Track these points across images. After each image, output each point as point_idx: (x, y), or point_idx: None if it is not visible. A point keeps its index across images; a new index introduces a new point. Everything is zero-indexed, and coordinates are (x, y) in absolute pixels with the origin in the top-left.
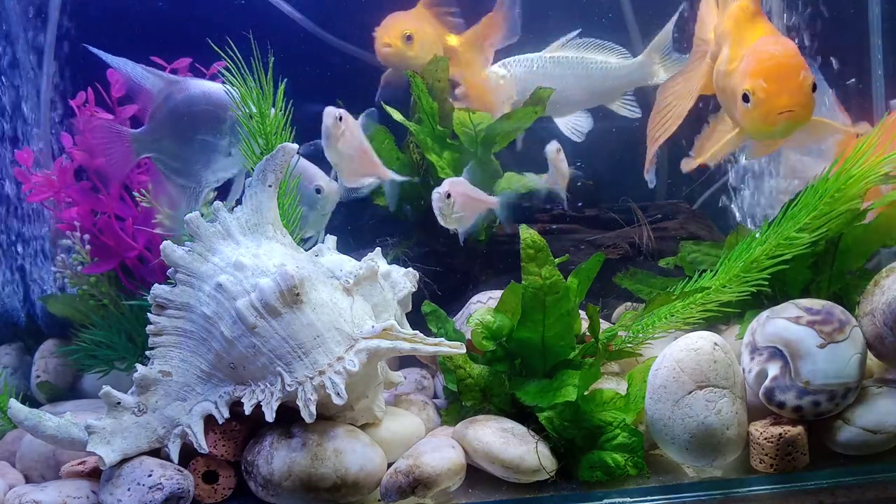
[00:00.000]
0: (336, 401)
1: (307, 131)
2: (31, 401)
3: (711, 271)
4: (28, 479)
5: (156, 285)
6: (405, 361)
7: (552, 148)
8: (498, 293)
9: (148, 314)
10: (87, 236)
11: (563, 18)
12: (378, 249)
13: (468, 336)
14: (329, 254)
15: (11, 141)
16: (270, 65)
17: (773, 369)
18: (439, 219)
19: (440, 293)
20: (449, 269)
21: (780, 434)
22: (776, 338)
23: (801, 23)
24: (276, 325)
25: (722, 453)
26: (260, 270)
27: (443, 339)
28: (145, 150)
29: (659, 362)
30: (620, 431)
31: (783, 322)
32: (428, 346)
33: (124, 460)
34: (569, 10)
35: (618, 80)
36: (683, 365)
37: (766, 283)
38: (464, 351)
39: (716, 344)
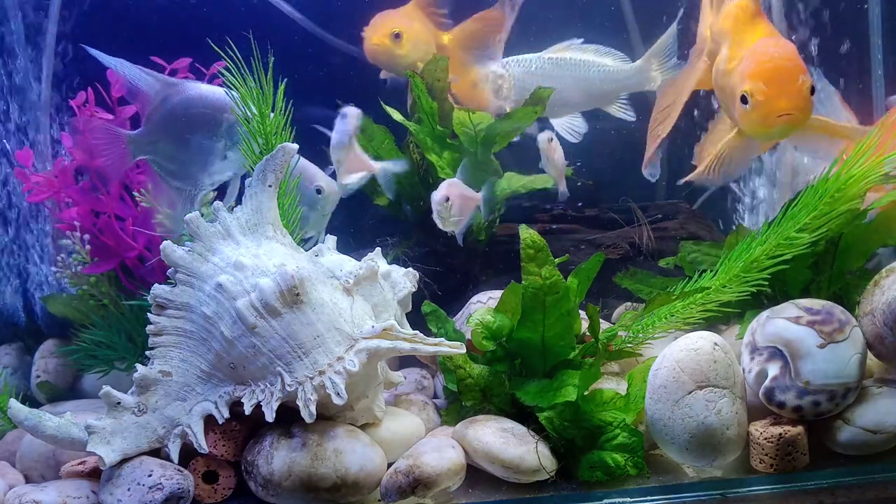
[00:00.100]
0: (336, 401)
1: (307, 131)
2: (31, 401)
3: (711, 271)
4: (28, 479)
5: (156, 285)
6: (405, 361)
7: (544, 137)
8: (498, 293)
9: (148, 314)
10: (87, 236)
11: (563, 20)
12: (378, 249)
13: (468, 336)
14: (329, 254)
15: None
16: (270, 65)
17: (773, 369)
18: (438, 223)
19: (440, 293)
20: (449, 269)
21: (780, 434)
22: (776, 338)
23: (801, 23)
24: (276, 325)
25: (722, 453)
26: (260, 270)
27: (443, 339)
28: (141, 152)
29: (659, 362)
30: (620, 431)
31: (783, 322)
32: (428, 346)
33: (124, 460)
34: (569, 10)
35: (615, 84)
36: (683, 365)
37: (766, 283)
38: (464, 351)
39: (716, 344)
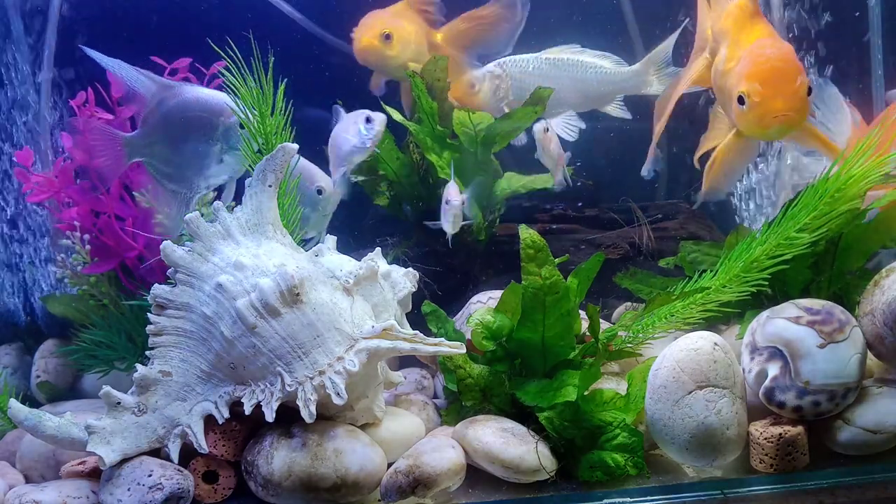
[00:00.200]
0: (336, 401)
1: (307, 132)
2: (31, 401)
3: (711, 271)
4: (28, 479)
5: (156, 285)
6: (405, 361)
7: (539, 127)
8: (498, 293)
9: (148, 314)
10: (87, 236)
11: (563, 20)
12: (378, 249)
13: (468, 336)
14: (329, 254)
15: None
16: (270, 65)
17: (773, 369)
18: (448, 227)
19: (440, 293)
20: (449, 269)
21: (780, 434)
22: (776, 338)
23: (801, 22)
24: (276, 325)
25: (722, 453)
26: (260, 270)
27: (443, 339)
28: (137, 154)
29: (659, 362)
30: (620, 431)
31: (783, 322)
32: (428, 346)
33: (124, 460)
34: (569, 12)
35: (612, 86)
36: (683, 365)
37: (766, 283)
38: (464, 351)
39: (716, 344)
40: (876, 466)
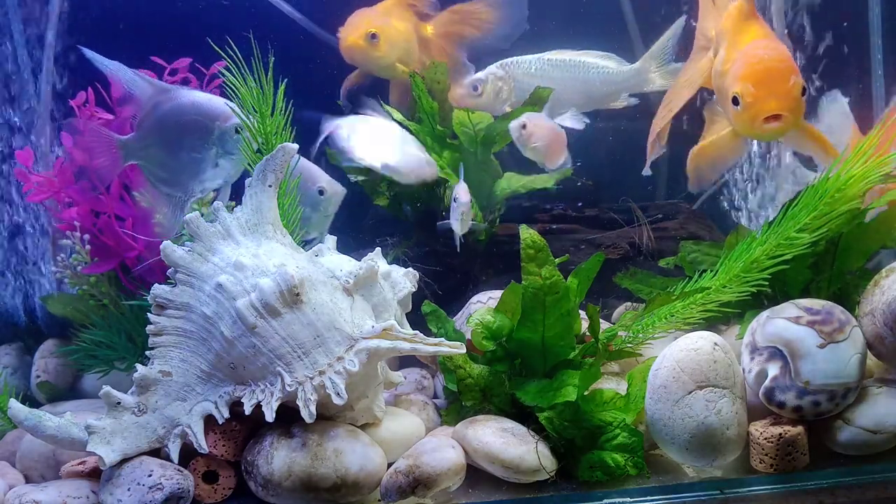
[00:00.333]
0: (336, 401)
1: (307, 132)
2: (31, 401)
3: (711, 271)
4: (28, 479)
5: (156, 285)
6: (405, 361)
7: (516, 125)
8: (498, 293)
9: (148, 314)
10: (87, 236)
11: (564, 22)
12: (378, 249)
13: (468, 336)
14: (329, 254)
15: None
16: (270, 65)
17: (773, 369)
18: (457, 227)
19: (440, 293)
20: (449, 269)
21: (780, 434)
22: (776, 338)
23: (801, 23)
24: (276, 325)
25: (722, 453)
26: (260, 270)
27: (443, 339)
28: (132, 157)
29: (659, 362)
30: (620, 431)
31: (783, 322)
32: (428, 346)
33: (124, 460)
34: (569, 12)
35: (614, 86)
36: (683, 365)
37: (766, 283)
38: (464, 351)
39: (716, 344)
40: (876, 466)
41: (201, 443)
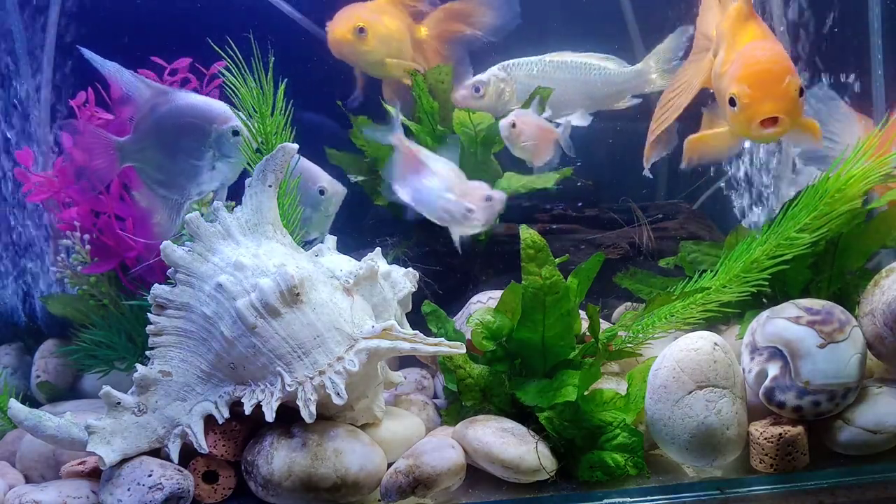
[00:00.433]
0: (336, 401)
1: (307, 132)
2: (31, 401)
3: (711, 271)
4: (28, 479)
5: (156, 285)
6: (405, 361)
7: (505, 124)
8: (498, 293)
9: (148, 314)
10: (87, 236)
11: (564, 22)
12: (378, 249)
13: (468, 336)
14: (329, 254)
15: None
16: (270, 65)
17: (773, 369)
18: (455, 228)
19: (440, 293)
20: (449, 269)
21: (780, 434)
22: (776, 338)
23: (801, 23)
24: (276, 325)
25: (722, 453)
26: (260, 270)
27: (443, 339)
28: (129, 159)
29: (659, 362)
30: (620, 431)
31: (783, 322)
32: (428, 346)
33: (124, 460)
34: (570, 12)
35: (616, 86)
36: (683, 365)
37: (766, 283)
38: (464, 351)
39: (716, 344)
40: (876, 466)
41: (201, 443)
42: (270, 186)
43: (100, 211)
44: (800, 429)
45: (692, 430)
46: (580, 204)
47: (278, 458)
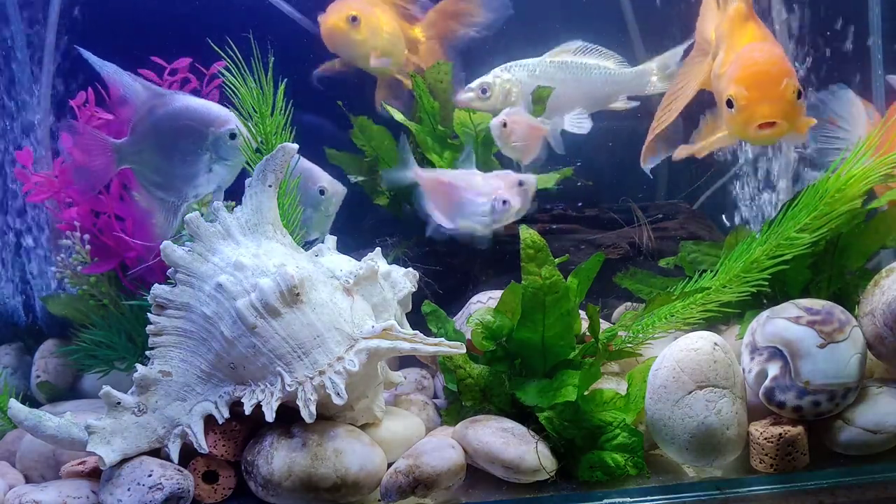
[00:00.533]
0: (336, 401)
1: (307, 132)
2: (31, 401)
3: (711, 271)
4: (28, 479)
5: (156, 285)
6: (405, 361)
7: (496, 123)
8: (498, 293)
9: (148, 314)
10: (87, 236)
11: (565, 20)
12: (378, 249)
13: (468, 336)
14: (329, 254)
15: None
16: (270, 65)
17: (773, 369)
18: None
19: (440, 293)
20: (449, 269)
21: (780, 434)
22: (776, 338)
23: (800, 23)
24: (276, 325)
25: (722, 453)
26: (260, 270)
27: (443, 339)
28: (126, 161)
29: (659, 362)
30: (620, 431)
31: (783, 322)
32: (428, 346)
33: (124, 460)
34: (570, 12)
35: (616, 87)
36: (683, 365)
37: (766, 283)
38: (464, 351)
39: (716, 344)
40: (876, 466)
41: (201, 443)
42: (270, 186)
43: (100, 211)
44: (800, 429)
45: (692, 430)
46: (580, 204)
47: (278, 458)
